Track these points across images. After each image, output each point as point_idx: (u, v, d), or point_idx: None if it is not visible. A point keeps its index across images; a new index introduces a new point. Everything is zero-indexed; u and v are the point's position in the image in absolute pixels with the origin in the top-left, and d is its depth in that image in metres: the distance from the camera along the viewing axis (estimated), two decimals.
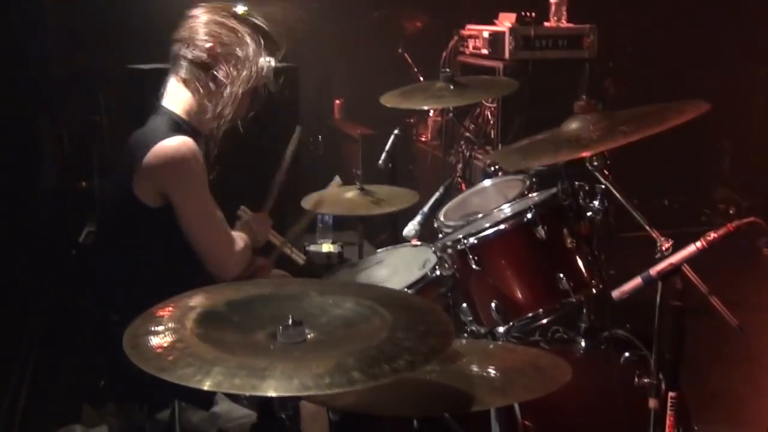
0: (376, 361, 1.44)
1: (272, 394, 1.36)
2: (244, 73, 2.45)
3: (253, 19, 2.51)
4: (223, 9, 2.49)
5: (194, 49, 2.44)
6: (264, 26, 2.53)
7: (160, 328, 1.58)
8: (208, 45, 2.43)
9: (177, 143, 2.35)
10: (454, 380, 1.81)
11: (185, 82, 2.46)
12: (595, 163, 2.40)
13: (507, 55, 4.58)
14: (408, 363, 1.45)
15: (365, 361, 1.43)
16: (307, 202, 3.08)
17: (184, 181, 2.37)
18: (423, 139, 5.70)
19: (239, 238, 2.58)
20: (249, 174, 3.22)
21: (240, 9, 2.50)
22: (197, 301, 1.72)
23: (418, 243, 2.98)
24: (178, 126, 2.43)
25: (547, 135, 2.34)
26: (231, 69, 2.44)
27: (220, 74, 2.44)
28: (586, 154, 2.15)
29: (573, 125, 2.24)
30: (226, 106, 2.45)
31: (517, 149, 2.49)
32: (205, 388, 1.38)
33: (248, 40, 2.46)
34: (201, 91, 2.45)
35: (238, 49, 2.45)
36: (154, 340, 1.53)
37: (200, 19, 2.47)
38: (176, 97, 2.48)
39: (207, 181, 2.43)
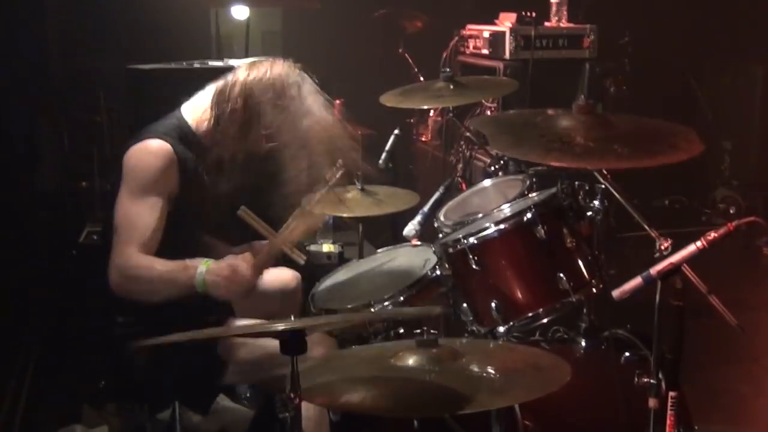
0: None
1: None
2: (252, 131, 2.46)
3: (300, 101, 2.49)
4: (282, 85, 2.47)
5: (230, 90, 2.45)
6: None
7: None
8: (240, 101, 2.44)
9: (144, 144, 2.38)
10: (454, 380, 1.81)
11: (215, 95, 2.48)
12: None
13: (507, 54, 4.58)
14: None
15: None
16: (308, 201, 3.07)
17: (127, 178, 2.39)
18: (423, 139, 5.69)
19: (165, 268, 2.35)
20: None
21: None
22: None
23: (418, 243, 2.98)
24: (178, 134, 2.44)
25: (541, 119, 2.29)
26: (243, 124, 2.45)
27: (237, 119, 2.45)
28: (573, 165, 2.12)
29: (568, 122, 2.21)
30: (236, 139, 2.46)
31: (508, 128, 2.41)
32: None
33: (273, 114, 2.45)
34: (218, 114, 2.46)
35: (254, 117, 2.45)
36: None
37: (262, 71, 2.47)
38: (197, 105, 2.51)
39: (159, 193, 2.39)
